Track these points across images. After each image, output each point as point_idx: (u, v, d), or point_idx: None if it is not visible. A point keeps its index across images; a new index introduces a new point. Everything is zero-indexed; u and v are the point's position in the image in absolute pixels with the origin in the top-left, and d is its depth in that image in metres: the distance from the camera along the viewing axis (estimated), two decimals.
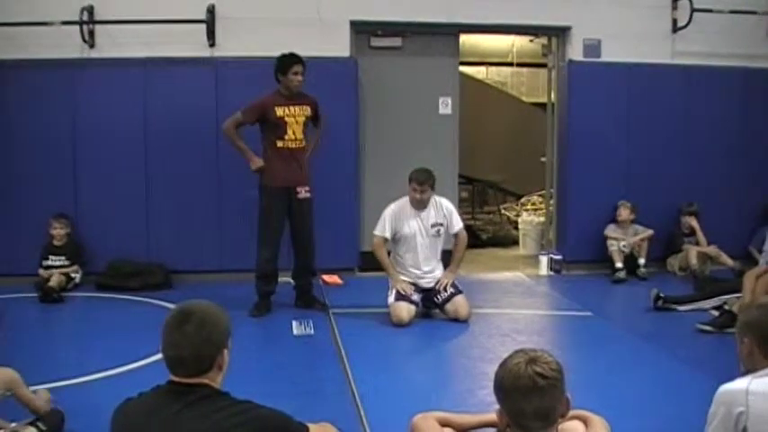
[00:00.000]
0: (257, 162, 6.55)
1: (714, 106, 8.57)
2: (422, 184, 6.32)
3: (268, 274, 6.62)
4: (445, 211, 6.48)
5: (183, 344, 2.40)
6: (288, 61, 6.50)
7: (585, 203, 8.51)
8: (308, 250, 6.74)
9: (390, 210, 6.44)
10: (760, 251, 7.89)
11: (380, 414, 4.11)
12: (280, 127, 6.49)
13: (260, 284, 6.64)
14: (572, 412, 2.62)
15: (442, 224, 6.44)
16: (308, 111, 6.61)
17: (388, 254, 6.53)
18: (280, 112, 6.48)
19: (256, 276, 6.64)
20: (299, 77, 6.50)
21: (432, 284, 6.41)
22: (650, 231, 8.29)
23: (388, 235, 6.40)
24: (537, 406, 2.25)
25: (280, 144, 6.52)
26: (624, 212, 8.31)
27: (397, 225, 6.39)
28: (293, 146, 6.56)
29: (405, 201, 6.46)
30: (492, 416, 2.49)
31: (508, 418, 2.31)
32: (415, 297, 6.32)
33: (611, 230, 8.33)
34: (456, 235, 6.53)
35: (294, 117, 6.53)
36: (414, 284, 6.36)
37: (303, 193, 6.63)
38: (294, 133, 6.54)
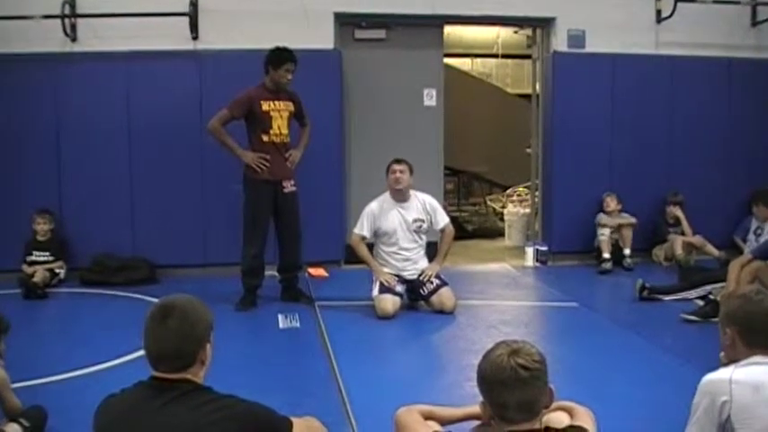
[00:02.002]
0: (249, 155, 6.48)
1: (698, 96, 8.60)
2: (400, 163, 6.36)
3: (255, 268, 6.60)
4: (428, 207, 6.47)
5: (165, 338, 2.39)
6: (282, 57, 6.44)
7: (571, 194, 8.53)
8: (294, 244, 6.72)
9: (370, 208, 6.44)
10: (744, 240, 7.97)
11: (366, 407, 4.11)
12: (265, 121, 6.46)
13: (246, 279, 6.61)
14: (557, 403, 2.62)
15: (423, 220, 6.43)
16: (291, 106, 6.58)
17: (371, 247, 6.53)
18: (266, 106, 6.45)
19: (243, 271, 6.62)
20: (289, 76, 6.46)
21: (416, 276, 6.40)
22: (633, 219, 8.31)
23: (366, 234, 6.41)
24: (520, 398, 2.25)
25: (265, 138, 6.48)
26: (612, 203, 8.32)
27: (377, 222, 6.39)
28: (278, 140, 6.53)
29: (385, 196, 6.46)
30: (476, 408, 2.48)
31: (492, 411, 2.31)
32: (399, 288, 6.32)
33: (602, 218, 8.33)
34: (442, 230, 6.53)
35: (279, 112, 6.51)
36: (397, 276, 6.36)
37: (289, 186, 6.60)
38: (279, 128, 6.52)
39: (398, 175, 6.33)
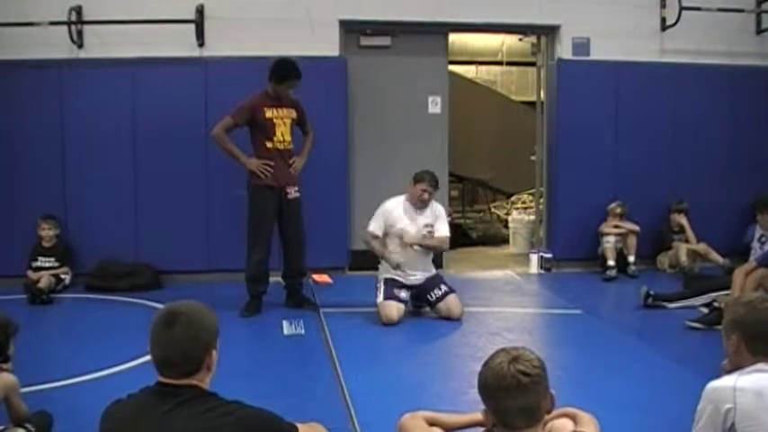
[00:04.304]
0: (253, 162, 6.51)
1: (702, 104, 8.60)
2: (435, 188, 6.37)
3: (259, 275, 6.60)
4: (437, 213, 6.47)
5: (170, 345, 2.39)
6: (287, 74, 6.44)
7: (575, 201, 8.53)
8: (298, 250, 6.72)
9: (385, 207, 6.42)
10: (748, 248, 7.94)
11: (370, 413, 4.11)
12: (268, 128, 6.48)
13: (251, 285, 6.62)
14: (561, 410, 2.63)
15: (432, 225, 6.43)
16: (293, 113, 6.61)
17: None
18: (269, 113, 6.47)
19: (247, 277, 6.62)
20: (290, 89, 6.51)
21: (422, 281, 6.39)
22: (635, 227, 8.28)
23: (378, 233, 6.40)
24: (521, 404, 2.26)
25: (269, 145, 6.50)
26: (612, 220, 8.30)
27: (389, 222, 6.37)
28: (282, 147, 6.55)
29: (402, 199, 6.43)
30: (480, 415, 2.49)
31: (494, 418, 2.32)
32: (403, 295, 6.31)
33: (605, 227, 8.32)
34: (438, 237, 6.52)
35: (282, 119, 6.53)
36: (402, 283, 6.33)
37: (293, 193, 6.62)
38: (282, 134, 6.54)
39: (426, 196, 6.33)
